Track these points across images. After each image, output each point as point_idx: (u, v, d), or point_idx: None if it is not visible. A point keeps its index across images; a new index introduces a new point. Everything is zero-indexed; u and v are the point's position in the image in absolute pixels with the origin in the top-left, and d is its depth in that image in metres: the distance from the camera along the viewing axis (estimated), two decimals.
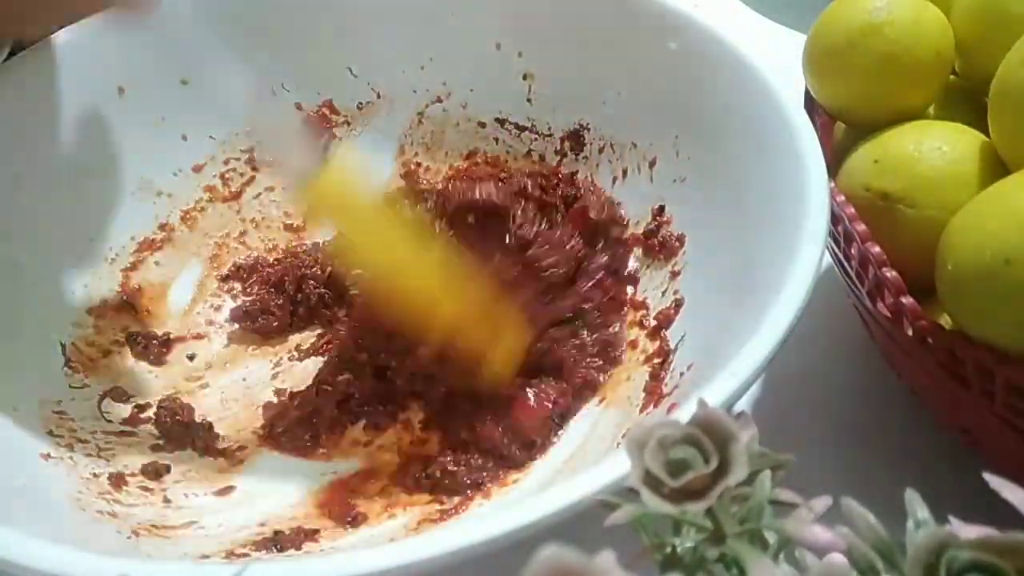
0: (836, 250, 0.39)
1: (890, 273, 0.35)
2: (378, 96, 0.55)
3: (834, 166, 0.41)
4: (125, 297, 0.48)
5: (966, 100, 0.41)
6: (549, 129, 0.53)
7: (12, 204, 0.44)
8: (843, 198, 0.37)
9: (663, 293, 0.45)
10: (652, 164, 0.49)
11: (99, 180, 0.48)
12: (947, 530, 0.20)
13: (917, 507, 0.21)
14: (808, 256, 0.34)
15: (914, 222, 0.37)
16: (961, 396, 0.35)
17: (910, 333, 0.35)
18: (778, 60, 0.42)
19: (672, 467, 0.22)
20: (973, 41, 0.39)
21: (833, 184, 0.38)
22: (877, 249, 0.36)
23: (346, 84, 0.55)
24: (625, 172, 0.50)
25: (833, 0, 0.41)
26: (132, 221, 0.50)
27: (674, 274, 0.45)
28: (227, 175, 0.53)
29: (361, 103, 0.55)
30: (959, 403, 0.36)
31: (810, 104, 0.43)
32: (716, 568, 0.24)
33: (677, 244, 0.46)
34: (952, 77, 0.41)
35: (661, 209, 0.47)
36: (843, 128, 0.44)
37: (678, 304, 0.44)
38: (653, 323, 0.45)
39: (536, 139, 0.54)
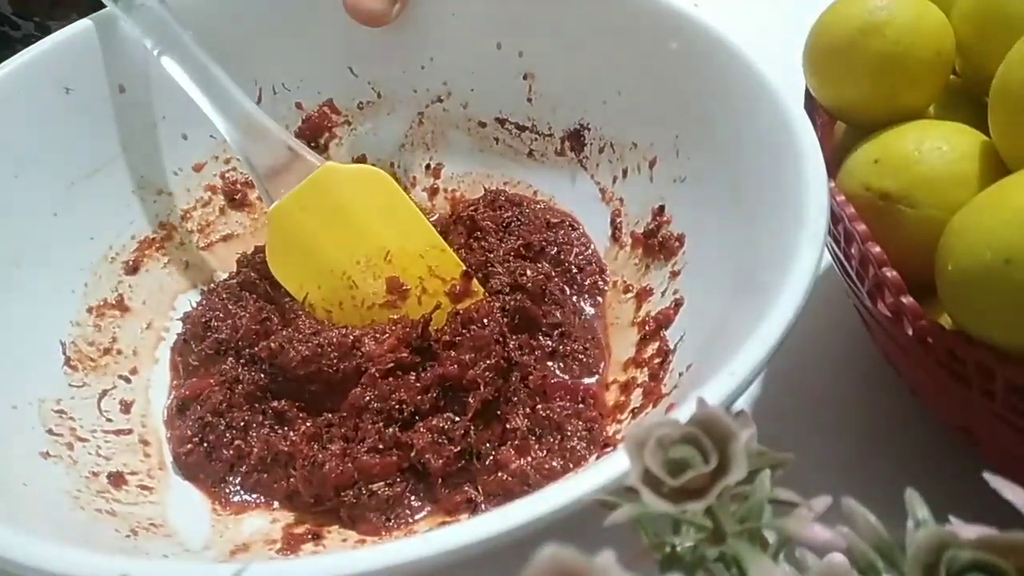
0: (836, 250, 0.39)
1: (890, 273, 0.35)
2: (379, 96, 0.55)
3: (834, 166, 0.41)
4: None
5: (966, 100, 0.41)
6: (549, 129, 0.54)
7: (12, 203, 0.44)
8: (843, 198, 0.37)
9: (663, 293, 0.45)
10: (652, 164, 0.49)
11: (99, 179, 0.48)
12: (947, 530, 0.20)
13: (917, 507, 0.21)
14: (807, 256, 0.33)
15: (914, 222, 0.37)
16: (961, 395, 0.35)
17: (910, 333, 0.35)
18: (778, 60, 0.42)
19: (672, 466, 0.22)
20: (973, 41, 0.39)
21: (833, 184, 0.38)
22: (877, 249, 0.36)
23: (347, 83, 0.55)
24: (625, 172, 0.50)
25: (834, 0, 0.41)
26: (132, 220, 0.50)
27: (674, 274, 0.45)
28: (228, 174, 0.53)
29: (362, 103, 0.55)
30: (959, 402, 0.36)
31: (810, 104, 0.43)
32: (716, 567, 0.24)
33: (677, 244, 0.46)
34: (952, 77, 0.41)
35: (661, 209, 0.47)
36: (843, 128, 0.44)
37: (678, 304, 0.44)
38: (653, 323, 0.44)
39: (536, 139, 0.54)
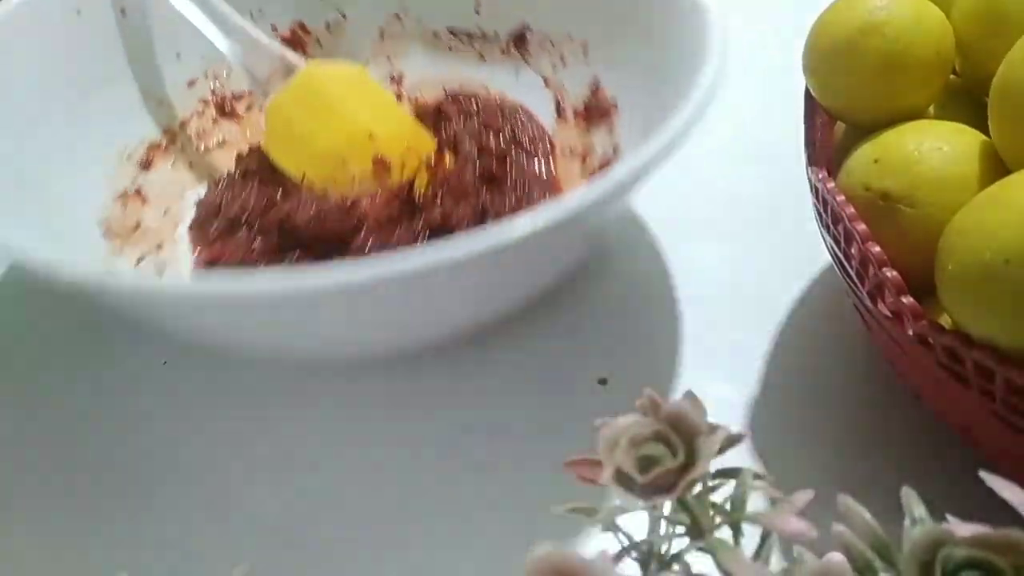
0: (836, 250, 0.39)
1: (890, 273, 0.35)
2: (343, 16, 0.63)
3: (834, 166, 0.41)
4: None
5: (966, 100, 0.41)
6: (496, 34, 0.61)
7: (38, 109, 0.50)
8: (843, 198, 0.37)
9: (603, 148, 0.54)
10: (586, 50, 0.57)
11: (111, 89, 0.55)
12: (943, 527, 0.20)
13: (914, 505, 0.22)
14: (705, 80, 0.41)
15: (914, 222, 0.36)
16: (961, 395, 0.35)
17: (910, 333, 0.35)
18: (779, 60, 0.42)
19: (642, 464, 0.23)
20: (973, 41, 0.39)
21: (833, 184, 0.38)
22: (877, 249, 0.36)
23: (314, 7, 0.62)
24: (564, 60, 0.58)
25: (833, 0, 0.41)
26: (141, 126, 0.57)
27: (610, 131, 0.54)
28: (216, 89, 0.61)
29: (328, 23, 0.63)
30: (959, 402, 0.36)
31: (810, 104, 0.43)
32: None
33: (613, 108, 0.54)
34: (952, 77, 0.41)
35: (596, 85, 0.56)
36: (843, 128, 0.44)
37: (616, 152, 0.52)
38: (597, 171, 0.53)
39: (485, 44, 0.62)
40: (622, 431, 0.24)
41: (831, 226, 0.39)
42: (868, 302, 0.37)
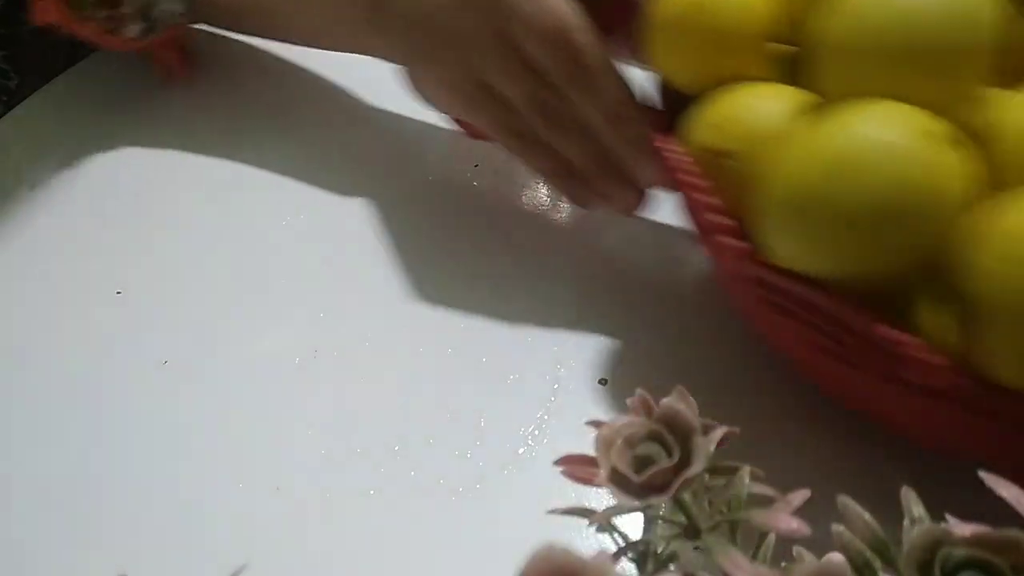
0: (687, 210, 0.41)
1: (715, 218, 0.37)
2: None
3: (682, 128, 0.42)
4: None
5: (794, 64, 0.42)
6: None
7: None
8: (683, 156, 0.39)
9: None
10: None
11: None
12: (942, 527, 0.21)
13: (913, 505, 0.22)
14: None
15: (742, 175, 0.38)
16: (789, 328, 0.38)
17: (734, 270, 0.38)
18: None
19: (638, 463, 0.23)
20: (799, 13, 0.40)
21: (679, 147, 0.40)
22: (708, 199, 0.38)
23: None
24: None
25: None
26: None
27: None
28: None
29: None
30: (788, 335, 0.39)
31: None
32: (693, 559, 0.25)
33: None
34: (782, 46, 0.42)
35: None
36: None
37: None
38: None
39: None
40: (617, 431, 0.23)
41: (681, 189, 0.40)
42: (706, 250, 0.40)
